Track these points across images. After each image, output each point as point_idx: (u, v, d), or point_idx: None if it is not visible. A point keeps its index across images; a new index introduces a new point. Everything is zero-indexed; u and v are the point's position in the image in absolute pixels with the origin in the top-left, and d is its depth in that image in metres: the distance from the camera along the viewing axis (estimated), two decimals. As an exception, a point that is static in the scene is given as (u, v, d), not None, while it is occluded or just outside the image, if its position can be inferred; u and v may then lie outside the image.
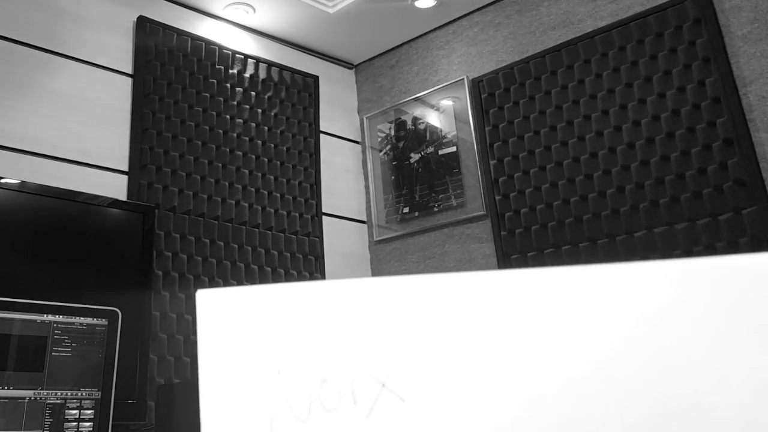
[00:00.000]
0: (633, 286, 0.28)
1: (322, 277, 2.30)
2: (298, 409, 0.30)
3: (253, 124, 2.27)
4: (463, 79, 2.37)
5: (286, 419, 0.30)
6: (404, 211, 2.45)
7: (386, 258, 2.47)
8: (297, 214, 2.28)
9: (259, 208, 2.20)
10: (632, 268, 0.29)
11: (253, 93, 2.31)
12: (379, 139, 2.60)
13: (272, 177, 2.27)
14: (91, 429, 1.07)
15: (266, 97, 2.35)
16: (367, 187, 2.59)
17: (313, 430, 0.29)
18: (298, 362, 0.30)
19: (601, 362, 0.28)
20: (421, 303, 0.30)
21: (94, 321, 1.12)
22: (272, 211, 2.22)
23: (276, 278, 2.16)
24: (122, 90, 1.98)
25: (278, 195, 2.26)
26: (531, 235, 2.09)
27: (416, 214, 2.41)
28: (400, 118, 2.54)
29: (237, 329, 0.31)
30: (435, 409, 0.29)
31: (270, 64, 2.39)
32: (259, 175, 2.23)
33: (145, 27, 2.07)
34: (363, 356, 0.30)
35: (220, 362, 0.31)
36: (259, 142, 2.27)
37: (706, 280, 0.28)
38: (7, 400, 1.00)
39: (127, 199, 1.87)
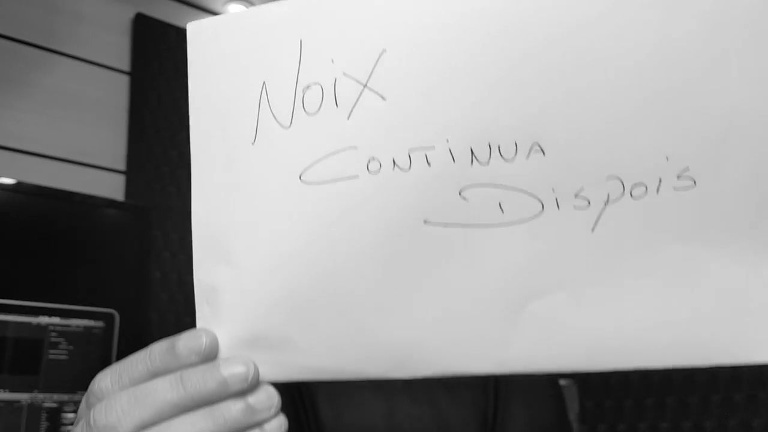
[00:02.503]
0: None
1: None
2: (282, 116, 0.31)
3: (253, 123, 2.25)
4: (465, 77, 2.35)
5: (271, 127, 0.31)
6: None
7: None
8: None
9: (259, 208, 2.18)
10: None
11: (252, 92, 2.29)
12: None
13: (272, 177, 2.25)
14: (87, 434, 1.05)
15: (266, 95, 2.33)
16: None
17: (295, 134, 0.31)
18: (282, 73, 0.31)
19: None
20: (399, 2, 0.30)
21: (91, 323, 1.10)
22: (272, 211, 2.20)
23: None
24: (119, 88, 1.96)
25: (278, 195, 2.24)
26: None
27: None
28: (401, 118, 2.53)
29: (225, 54, 0.32)
30: (415, 105, 0.29)
31: (270, 63, 2.37)
32: (259, 174, 2.21)
33: (142, 24, 2.05)
34: (345, 59, 0.31)
35: (208, 88, 0.32)
36: (259, 141, 2.25)
37: None
38: (2, 404, 0.98)
39: (125, 199, 1.85)
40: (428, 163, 0.29)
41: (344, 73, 0.30)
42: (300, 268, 0.30)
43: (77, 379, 1.06)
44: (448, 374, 0.29)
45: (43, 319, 1.05)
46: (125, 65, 1.98)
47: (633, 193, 0.29)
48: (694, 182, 0.28)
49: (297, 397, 0.78)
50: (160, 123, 2.01)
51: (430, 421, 0.77)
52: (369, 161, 0.30)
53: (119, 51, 1.99)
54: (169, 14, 2.14)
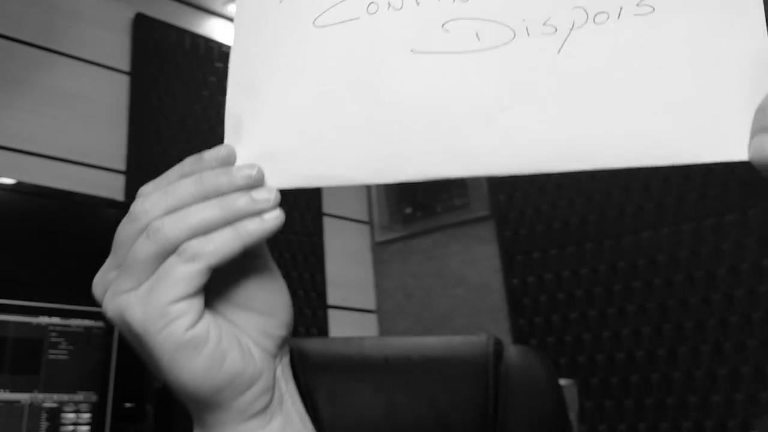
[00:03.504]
0: None
1: (323, 278, 2.28)
2: None
3: (253, 123, 2.25)
4: (465, 77, 2.35)
5: None
6: (406, 212, 2.43)
7: (389, 259, 2.45)
8: (297, 214, 2.26)
9: (259, 208, 2.17)
10: None
11: (252, 92, 2.29)
12: (380, 139, 2.57)
13: (272, 177, 2.24)
14: (87, 434, 1.05)
15: (266, 95, 2.32)
16: (368, 187, 2.56)
17: None
18: None
19: None
20: None
21: (91, 323, 1.10)
22: (272, 211, 2.20)
23: (276, 279, 2.13)
24: (119, 88, 1.95)
25: (278, 195, 2.24)
26: (535, 236, 2.07)
27: (419, 214, 2.39)
28: (401, 118, 2.52)
29: None
30: None
31: (270, 63, 2.37)
32: (259, 174, 2.21)
33: (143, 24, 2.05)
34: None
35: None
36: (259, 141, 2.25)
37: None
38: (2, 404, 0.98)
39: (125, 199, 1.85)
40: (417, 3, 0.35)
41: None
42: (308, 95, 0.36)
43: (77, 379, 1.06)
44: (423, 178, 0.34)
45: (43, 319, 1.05)
46: (125, 65, 1.98)
47: (596, 20, 0.33)
48: (653, 8, 0.32)
49: (297, 397, 0.78)
50: (160, 123, 2.00)
51: (430, 419, 0.77)
52: (369, 4, 0.36)
53: (119, 51, 1.98)
54: (169, 14, 2.13)
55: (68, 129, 1.81)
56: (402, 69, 0.35)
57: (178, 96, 2.07)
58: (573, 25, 0.33)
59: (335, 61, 0.36)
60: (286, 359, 0.38)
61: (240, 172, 0.34)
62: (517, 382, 0.77)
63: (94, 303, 1.27)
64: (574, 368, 1.89)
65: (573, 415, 1.65)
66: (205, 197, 0.33)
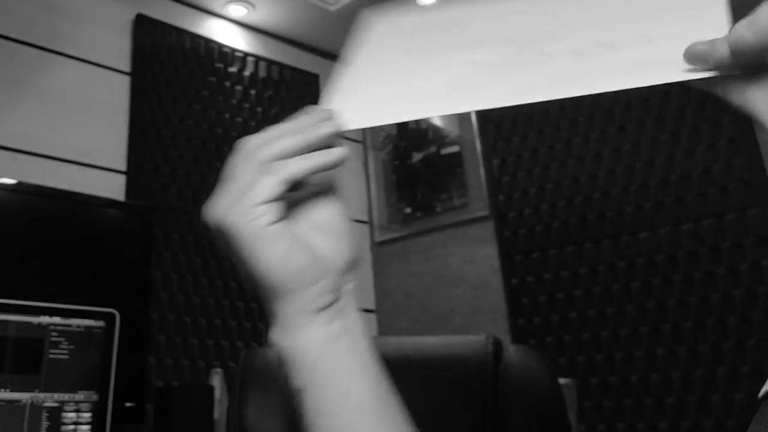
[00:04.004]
0: None
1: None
2: None
3: (253, 123, 2.25)
4: (464, 78, 2.35)
5: None
6: (406, 212, 2.43)
7: (388, 259, 2.45)
8: (297, 215, 2.26)
9: (259, 208, 2.17)
10: None
11: (252, 91, 2.29)
12: (381, 138, 2.57)
13: (272, 177, 2.24)
14: (88, 433, 1.05)
15: (266, 95, 2.33)
16: (368, 188, 2.56)
17: None
18: None
19: None
20: None
21: (91, 323, 1.10)
22: (272, 211, 2.20)
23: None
24: (120, 88, 1.95)
25: (278, 195, 2.24)
26: (534, 236, 2.07)
27: (418, 214, 2.39)
28: (401, 118, 2.52)
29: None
30: None
31: (270, 62, 2.37)
32: (259, 174, 2.21)
33: (143, 25, 2.05)
34: None
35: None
36: (259, 141, 2.25)
37: None
38: (3, 404, 0.98)
39: (126, 199, 1.85)
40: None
41: None
42: (381, 75, 0.48)
43: (78, 378, 1.06)
44: (458, 110, 0.44)
45: (44, 319, 1.05)
46: (126, 66, 1.98)
47: None
48: None
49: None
50: (160, 123, 2.01)
51: (430, 419, 0.77)
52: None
53: (120, 51, 1.99)
54: (170, 14, 2.14)
55: (68, 129, 1.81)
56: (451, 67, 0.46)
57: (178, 96, 2.07)
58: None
59: (405, 56, 0.48)
60: (351, 285, 0.45)
61: (318, 114, 0.43)
62: (516, 382, 0.77)
63: (95, 303, 1.27)
64: (573, 368, 1.90)
65: (572, 415, 1.65)
66: (293, 133, 0.42)
